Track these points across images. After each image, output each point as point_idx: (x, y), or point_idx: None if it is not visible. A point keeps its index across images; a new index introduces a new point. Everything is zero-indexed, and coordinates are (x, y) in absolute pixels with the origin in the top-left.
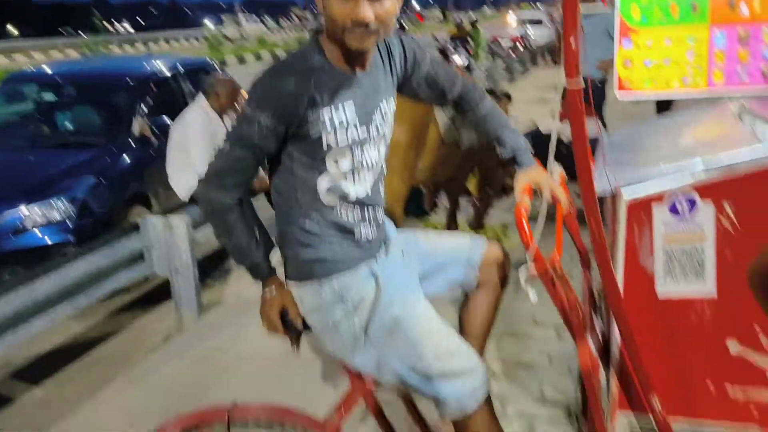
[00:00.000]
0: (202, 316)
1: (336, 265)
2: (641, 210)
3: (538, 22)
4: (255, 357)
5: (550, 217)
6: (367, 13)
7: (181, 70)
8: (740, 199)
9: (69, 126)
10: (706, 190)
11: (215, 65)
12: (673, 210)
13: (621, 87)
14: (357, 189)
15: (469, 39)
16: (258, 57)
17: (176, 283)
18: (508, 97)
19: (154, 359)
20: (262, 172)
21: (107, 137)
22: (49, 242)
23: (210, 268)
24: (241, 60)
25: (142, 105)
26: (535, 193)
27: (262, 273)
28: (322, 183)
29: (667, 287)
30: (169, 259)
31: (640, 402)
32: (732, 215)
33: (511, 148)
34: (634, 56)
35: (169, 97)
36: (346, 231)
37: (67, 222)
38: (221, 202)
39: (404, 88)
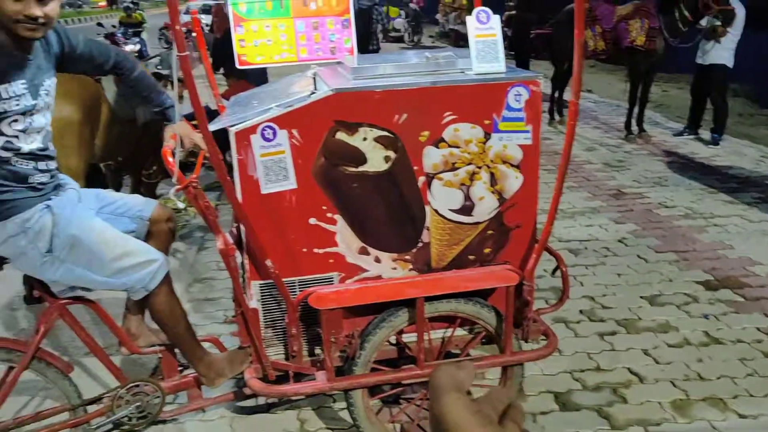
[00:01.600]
0: None
1: (15, 206)
2: (244, 138)
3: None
4: None
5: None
6: (37, 11)
7: None
8: (300, 125)
9: None
10: (281, 121)
11: None
12: (263, 136)
13: (240, 62)
14: (29, 145)
15: (142, 25)
16: None
17: None
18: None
19: None
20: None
21: None
22: None
23: None
24: None
25: None
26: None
27: None
28: None
29: (268, 187)
30: None
31: (264, 271)
32: (297, 135)
33: (160, 105)
34: (246, 38)
35: None
36: (21, 178)
37: None
38: None
39: (66, 65)
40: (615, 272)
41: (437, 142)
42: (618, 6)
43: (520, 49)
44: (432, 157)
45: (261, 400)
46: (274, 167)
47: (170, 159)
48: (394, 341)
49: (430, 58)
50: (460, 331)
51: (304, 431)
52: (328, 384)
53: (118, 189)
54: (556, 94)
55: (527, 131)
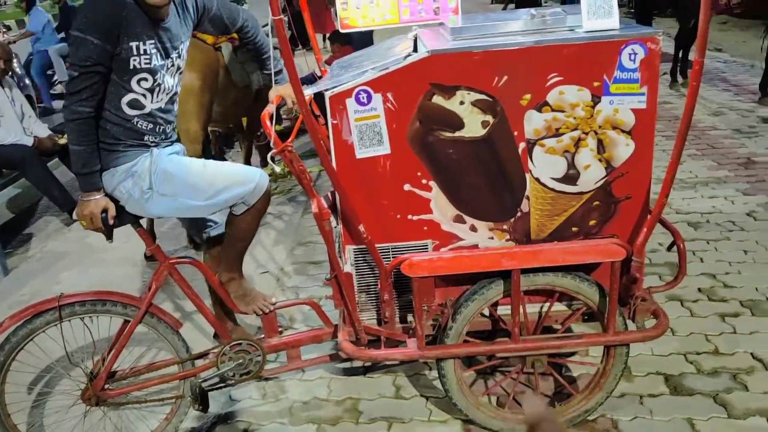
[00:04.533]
0: (8, 276)
1: (125, 157)
2: (339, 102)
3: None
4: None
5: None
6: None
7: None
8: (395, 89)
9: None
10: (375, 85)
11: None
12: (358, 100)
13: (343, 25)
14: (153, 105)
15: None
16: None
17: None
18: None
19: None
20: (51, 132)
21: None
22: None
23: (7, 237)
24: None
25: None
26: None
27: (95, 180)
28: (126, 98)
29: (362, 152)
30: None
31: (358, 236)
32: (392, 99)
33: (270, 69)
34: (348, 0)
35: None
36: (137, 136)
37: None
38: (82, 112)
39: (198, 26)
40: (741, 248)
41: (540, 106)
42: None
43: (641, 5)
44: (534, 122)
45: (358, 364)
46: (369, 132)
47: (268, 123)
48: (488, 313)
49: (536, 15)
50: (560, 307)
51: (399, 397)
52: (418, 352)
53: (221, 154)
54: (680, 54)
55: (642, 94)
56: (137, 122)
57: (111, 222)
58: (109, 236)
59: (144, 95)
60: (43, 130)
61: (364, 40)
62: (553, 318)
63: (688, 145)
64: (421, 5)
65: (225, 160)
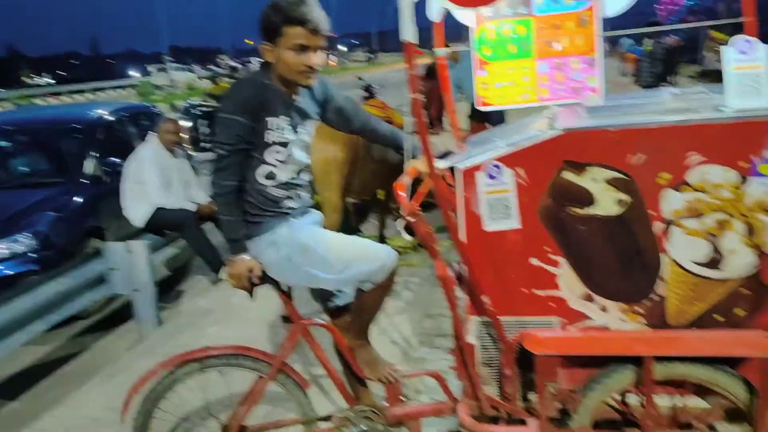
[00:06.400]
0: (161, 328)
1: (266, 227)
2: (469, 176)
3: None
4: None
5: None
6: (318, 60)
7: (125, 115)
8: (526, 164)
9: (25, 169)
10: (507, 160)
11: (157, 109)
12: (489, 174)
13: (480, 103)
14: (285, 174)
15: None
16: None
17: (136, 300)
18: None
19: (123, 360)
20: (210, 199)
21: (63, 177)
22: (13, 273)
23: (162, 292)
24: (173, 107)
25: (92, 147)
26: None
27: (242, 244)
28: (261, 170)
29: (490, 224)
30: (130, 280)
31: (482, 307)
32: (523, 174)
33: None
34: (488, 81)
35: (116, 139)
36: (273, 203)
37: (30, 254)
38: (230, 185)
39: (323, 112)
40: None
41: (679, 185)
42: None
43: None
44: (672, 202)
45: None
46: (498, 205)
47: (401, 193)
48: (619, 399)
49: (679, 95)
50: (701, 401)
51: None
52: None
53: (358, 224)
54: None
55: None
56: (272, 191)
57: (255, 281)
58: (252, 294)
59: (276, 166)
60: (203, 197)
61: (500, 116)
62: (691, 413)
63: None
64: (561, 85)
65: (360, 231)
